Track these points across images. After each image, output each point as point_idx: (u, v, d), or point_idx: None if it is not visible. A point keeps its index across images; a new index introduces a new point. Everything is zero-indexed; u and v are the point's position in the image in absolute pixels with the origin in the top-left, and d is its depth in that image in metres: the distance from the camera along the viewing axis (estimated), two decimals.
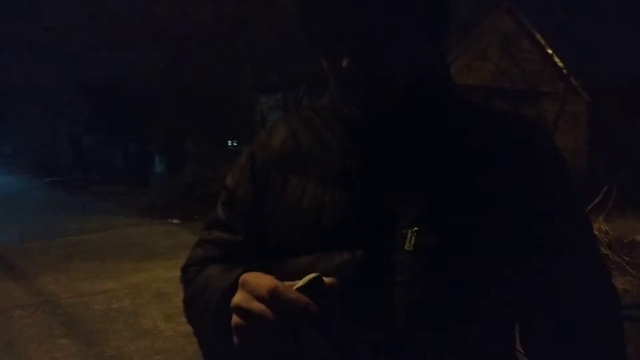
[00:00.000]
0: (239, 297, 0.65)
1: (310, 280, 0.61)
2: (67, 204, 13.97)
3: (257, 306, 0.62)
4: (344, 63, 0.73)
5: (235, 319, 0.65)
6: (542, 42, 15.37)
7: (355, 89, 0.77)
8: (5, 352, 4.05)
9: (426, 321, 0.75)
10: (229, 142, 18.27)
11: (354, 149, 0.81)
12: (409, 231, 0.75)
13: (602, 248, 6.25)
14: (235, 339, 0.65)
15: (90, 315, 4.89)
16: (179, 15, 13.48)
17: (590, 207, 6.50)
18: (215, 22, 12.59)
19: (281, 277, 0.71)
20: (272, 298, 0.61)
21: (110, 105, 21.84)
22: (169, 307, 5.04)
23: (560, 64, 15.16)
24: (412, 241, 0.75)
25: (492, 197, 0.77)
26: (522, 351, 0.89)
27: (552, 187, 0.80)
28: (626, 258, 6.13)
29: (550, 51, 15.24)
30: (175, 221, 10.62)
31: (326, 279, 0.63)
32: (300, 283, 0.62)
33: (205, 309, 0.80)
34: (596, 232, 6.56)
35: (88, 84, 24.68)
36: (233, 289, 0.68)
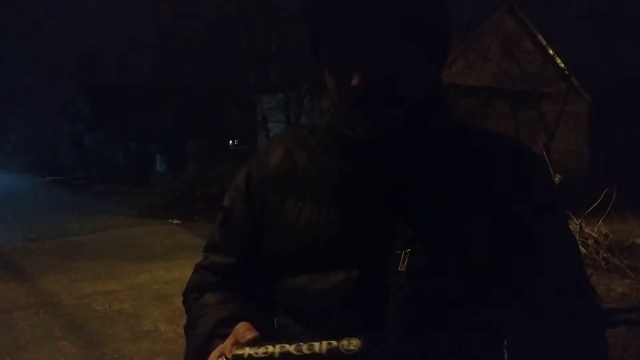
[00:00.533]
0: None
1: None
2: (68, 203, 14.01)
3: None
4: (354, 81, 0.74)
5: None
6: (544, 42, 15.37)
7: (359, 107, 0.77)
8: (7, 353, 4.07)
9: (419, 340, 0.77)
10: (230, 141, 18.29)
11: (349, 169, 0.83)
12: (403, 252, 0.77)
13: (601, 251, 6.27)
14: None
15: (91, 316, 4.91)
16: (181, 15, 13.50)
17: (589, 210, 6.50)
18: (217, 22, 12.61)
19: (279, 296, 0.83)
20: None
21: (112, 104, 21.84)
22: (169, 309, 5.06)
23: (562, 65, 15.16)
24: (406, 262, 0.77)
25: (485, 218, 0.79)
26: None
27: (541, 207, 0.84)
28: (626, 261, 6.14)
29: (551, 52, 15.24)
30: (175, 221, 10.65)
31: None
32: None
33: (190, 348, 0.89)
34: (595, 235, 6.57)
35: (89, 83, 24.70)
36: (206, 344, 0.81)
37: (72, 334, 4.47)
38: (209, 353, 0.77)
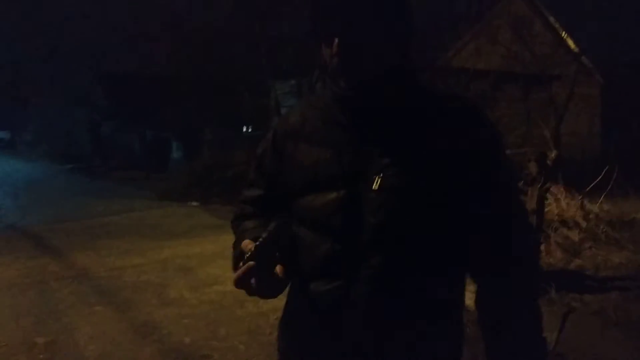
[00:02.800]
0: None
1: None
2: (90, 189, 14.46)
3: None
4: (334, 50, 1.09)
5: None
6: (555, 24, 15.39)
7: (341, 67, 1.11)
8: (49, 317, 4.48)
9: (386, 239, 1.11)
10: (244, 128, 18.61)
11: (339, 118, 1.18)
12: (376, 176, 1.11)
13: (601, 225, 6.55)
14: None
15: (121, 286, 5.32)
16: (195, 4, 13.81)
17: (589, 188, 6.77)
18: (231, 10, 12.89)
19: (294, 212, 1.21)
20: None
21: (128, 93, 22.22)
22: (193, 280, 5.45)
23: (573, 46, 15.18)
24: (378, 183, 1.11)
25: (436, 155, 1.11)
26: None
27: (480, 148, 1.13)
28: (625, 235, 6.42)
29: (563, 34, 15.26)
30: (194, 203, 11.02)
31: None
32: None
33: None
34: (597, 211, 6.85)
35: (106, 72, 25.08)
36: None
37: (105, 301, 4.88)
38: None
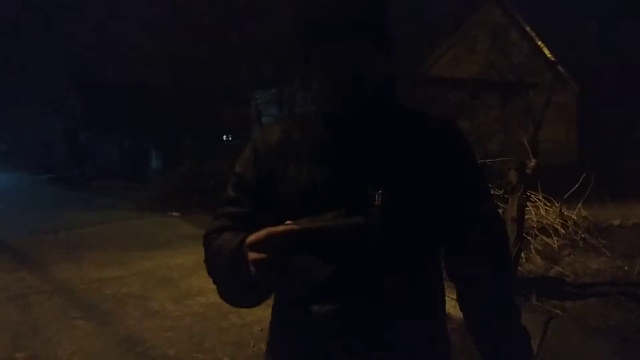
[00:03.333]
0: (250, 237, 1.00)
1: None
2: (68, 199, 14.24)
3: (261, 233, 0.98)
4: (339, 75, 1.10)
5: (250, 254, 0.99)
6: (532, 34, 15.66)
7: (337, 89, 1.13)
8: (30, 332, 4.41)
9: (389, 254, 1.13)
10: (224, 137, 18.52)
11: (331, 138, 1.18)
12: (376, 193, 1.13)
13: (579, 232, 6.68)
14: (252, 269, 0.99)
15: (102, 299, 5.24)
16: (174, 11, 13.74)
17: (567, 195, 6.88)
18: (211, 18, 12.86)
19: None
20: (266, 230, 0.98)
21: (105, 101, 21.91)
22: (175, 291, 5.40)
23: (549, 55, 15.45)
24: (379, 199, 1.13)
25: (425, 170, 1.17)
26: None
27: (460, 160, 1.23)
28: (602, 241, 6.55)
29: (539, 43, 15.54)
30: (175, 214, 10.92)
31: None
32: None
33: (221, 263, 1.15)
34: (575, 218, 6.97)
35: (82, 80, 24.73)
36: (240, 247, 1.05)
37: (86, 314, 4.80)
38: (243, 255, 1.02)
